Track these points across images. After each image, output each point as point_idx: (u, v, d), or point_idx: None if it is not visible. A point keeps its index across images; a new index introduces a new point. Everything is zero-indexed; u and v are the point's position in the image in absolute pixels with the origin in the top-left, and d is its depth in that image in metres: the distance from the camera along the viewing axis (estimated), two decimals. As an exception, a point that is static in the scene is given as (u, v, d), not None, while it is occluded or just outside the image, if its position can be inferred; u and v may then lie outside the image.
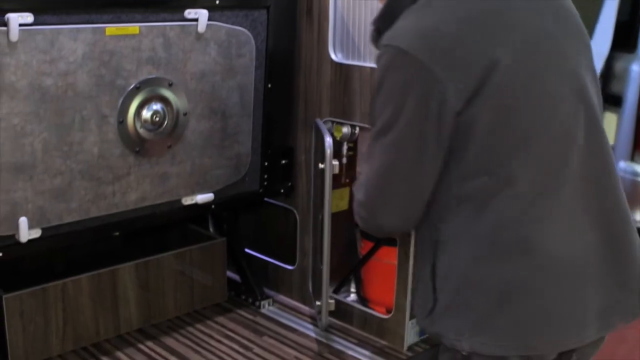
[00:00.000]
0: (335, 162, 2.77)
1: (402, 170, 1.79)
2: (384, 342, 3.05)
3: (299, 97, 3.23)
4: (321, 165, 2.78)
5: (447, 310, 1.82)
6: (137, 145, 2.75)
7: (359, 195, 1.94)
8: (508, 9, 1.76)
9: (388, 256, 3.01)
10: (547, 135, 1.75)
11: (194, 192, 2.99)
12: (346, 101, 3.02)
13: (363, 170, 1.79)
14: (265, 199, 3.39)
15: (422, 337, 3.06)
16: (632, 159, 3.94)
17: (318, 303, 2.95)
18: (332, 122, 3.02)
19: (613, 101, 3.94)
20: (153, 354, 2.93)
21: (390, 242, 2.96)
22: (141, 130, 2.75)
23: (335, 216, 2.95)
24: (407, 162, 1.77)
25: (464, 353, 1.80)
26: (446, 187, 1.78)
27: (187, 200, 2.98)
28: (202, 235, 3.39)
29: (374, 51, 3.01)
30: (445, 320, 1.83)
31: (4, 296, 2.68)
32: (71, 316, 2.86)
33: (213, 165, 3.02)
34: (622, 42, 3.94)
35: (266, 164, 3.21)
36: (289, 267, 3.45)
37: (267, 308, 3.37)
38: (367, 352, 2.98)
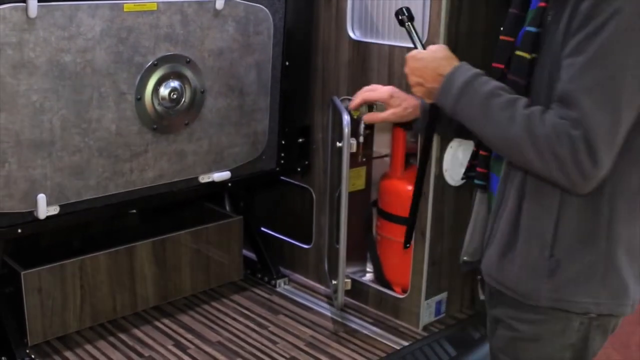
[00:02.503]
0: (353, 141, 2.76)
1: (631, 105, 1.56)
2: (399, 322, 3.05)
3: (316, 75, 3.22)
4: (339, 144, 2.76)
5: (582, 274, 1.69)
6: (154, 122, 2.75)
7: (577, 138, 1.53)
8: None
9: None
10: None
11: (210, 170, 2.99)
12: (364, 79, 3.00)
13: (581, 106, 1.50)
14: (282, 177, 3.39)
15: (437, 317, 3.06)
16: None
17: (334, 282, 2.95)
18: (350, 100, 3.00)
19: None
20: (169, 331, 2.94)
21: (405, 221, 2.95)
22: (159, 108, 2.75)
23: (352, 195, 2.94)
24: (637, 97, 1.56)
25: (592, 315, 1.73)
26: None
27: (204, 178, 2.98)
28: (218, 213, 3.40)
29: (392, 29, 3.00)
30: (578, 284, 1.70)
31: (22, 272, 2.69)
32: (89, 293, 2.88)
33: (230, 143, 3.01)
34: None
35: (283, 142, 3.20)
36: (305, 246, 3.45)
37: (282, 287, 3.38)
38: (382, 332, 2.98)
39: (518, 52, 1.72)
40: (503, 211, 1.76)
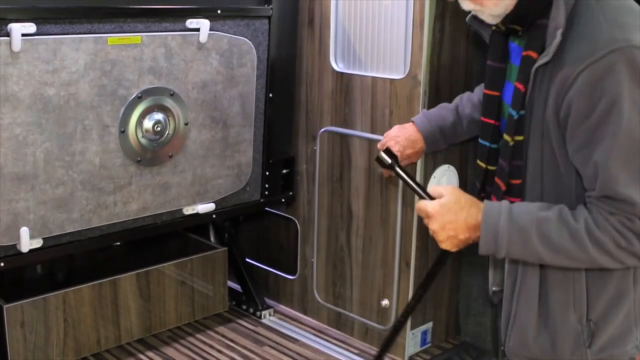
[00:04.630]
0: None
1: None
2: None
3: (300, 106, 3.24)
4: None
5: (621, 327, 1.72)
6: (138, 155, 2.75)
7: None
8: None
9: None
10: None
11: (195, 201, 2.99)
12: (347, 110, 3.02)
13: (625, 195, 1.52)
14: (266, 208, 3.39)
15: (423, 347, 3.06)
16: None
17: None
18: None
19: None
20: (154, 364, 2.93)
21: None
22: (142, 140, 2.75)
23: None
24: None
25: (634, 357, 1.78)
26: None
27: (188, 210, 2.98)
28: (203, 245, 3.39)
29: (375, 61, 3.03)
30: (620, 337, 1.73)
31: (4, 306, 2.67)
32: (72, 326, 2.86)
33: (214, 175, 3.02)
34: None
35: (267, 173, 3.21)
36: (290, 277, 3.45)
37: (268, 318, 3.37)
38: (368, 362, 2.98)
39: (505, 136, 1.72)
40: (523, 290, 1.75)
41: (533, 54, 1.63)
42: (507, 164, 1.71)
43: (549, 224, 1.59)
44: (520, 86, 1.65)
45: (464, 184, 2.91)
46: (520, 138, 1.67)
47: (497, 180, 1.77)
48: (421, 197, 1.77)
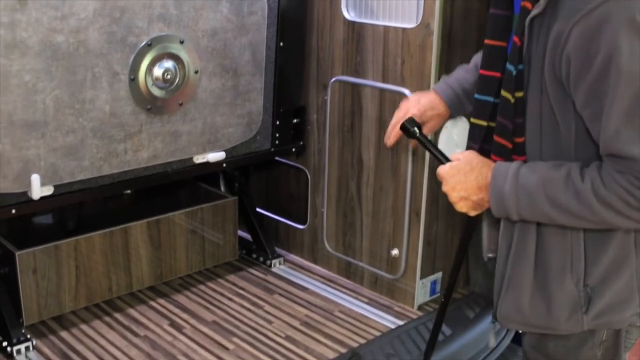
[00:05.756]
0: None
1: None
2: (394, 302, 3.07)
3: (311, 55, 3.21)
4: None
5: (620, 293, 1.68)
6: (148, 103, 2.74)
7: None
8: None
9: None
10: None
11: (205, 150, 2.98)
12: (359, 59, 3.00)
13: (632, 154, 1.46)
14: (277, 158, 3.39)
15: (432, 297, 3.08)
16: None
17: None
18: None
19: None
20: (165, 311, 2.95)
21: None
22: (152, 88, 2.74)
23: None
24: None
25: (638, 324, 1.74)
26: None
27: (199, 159, 2.98)
28: (213, 194, 3.40)
29: (387, 9, 2.99)
30: (620, 303, 1.68)
31: (17, 253, 2.70)
32: (84, 273, 2.88)
33: (224, 124, 3.01)
34: None
35: (278, 122, 3.20)
36: (300, 227, 3.46)
37: (277, 267, 3.39)
38: (377, 311, 3.00)
39: (503, 93, 1.65)
40: (519, 254, 1.70)
41: (528, 5, 1.56)
42: (509, 122, 1.64)
43: (555, 185, 1.54)
44: (517, 39, 1.59)
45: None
46: (520, 94, 1.61)
47: (497, 139, 1.69)
48: (442, 164, 1.75)
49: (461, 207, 1.70)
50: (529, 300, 1.71)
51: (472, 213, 1.71)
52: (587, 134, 1.56)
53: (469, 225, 1.93)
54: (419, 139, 1.88)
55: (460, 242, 2.02)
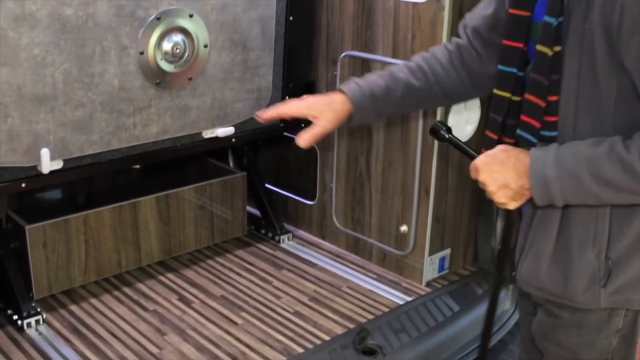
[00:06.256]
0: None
1: None
2: (402, 278, 3.07)
3: (320, 30, 3.19)
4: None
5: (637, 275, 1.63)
6: (157, 77, 2.73)
7: None
8: None
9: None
10: None
11: (214, 125, 2.98)
12: (369, 34, 2.97)
13: None
14: (286, 133, 3.37)
15: (440, 273, 3.08)
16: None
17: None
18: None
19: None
20: (174, 286, 2.96)
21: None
22: (162, 62, 2.72)
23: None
24: None
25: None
26: None
27: (208, 134, 2.97)
28: (222, 169, 3.39)
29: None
30: (639, 285, 1.63)
31: (27, 227, 2.70)
32: (93, 247, 2.89)
33: (234, 99, 2.99)
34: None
35: (287, 98, 3.18)
36: (309, 203, 3.45)
37: (286, 242, 3.39)
38: (385, 287, 3.00)
39: (539, 47, 1.56)
40: (543, 220, 1.65)
41: None
42: (545, 78, 1.55)
43: (600, 161, 1.46)
44: None
45: (485, 117, 2.87)
46: (558, 48, 1.52)
47: (524, 118, 1.60)
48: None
49: (500, 196, 1.60)
50: (548, 266, 1.67)
51: (512, 205, 1.62)
52: (630, 96, 1.48)
53: (509, 223, 1.83)
54: (449, 139, 1.82)
55: (502, 243, 1.93)
